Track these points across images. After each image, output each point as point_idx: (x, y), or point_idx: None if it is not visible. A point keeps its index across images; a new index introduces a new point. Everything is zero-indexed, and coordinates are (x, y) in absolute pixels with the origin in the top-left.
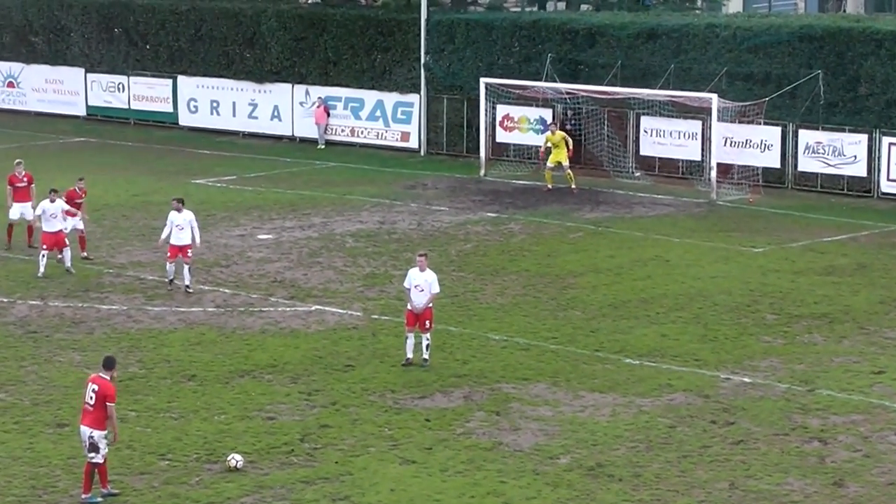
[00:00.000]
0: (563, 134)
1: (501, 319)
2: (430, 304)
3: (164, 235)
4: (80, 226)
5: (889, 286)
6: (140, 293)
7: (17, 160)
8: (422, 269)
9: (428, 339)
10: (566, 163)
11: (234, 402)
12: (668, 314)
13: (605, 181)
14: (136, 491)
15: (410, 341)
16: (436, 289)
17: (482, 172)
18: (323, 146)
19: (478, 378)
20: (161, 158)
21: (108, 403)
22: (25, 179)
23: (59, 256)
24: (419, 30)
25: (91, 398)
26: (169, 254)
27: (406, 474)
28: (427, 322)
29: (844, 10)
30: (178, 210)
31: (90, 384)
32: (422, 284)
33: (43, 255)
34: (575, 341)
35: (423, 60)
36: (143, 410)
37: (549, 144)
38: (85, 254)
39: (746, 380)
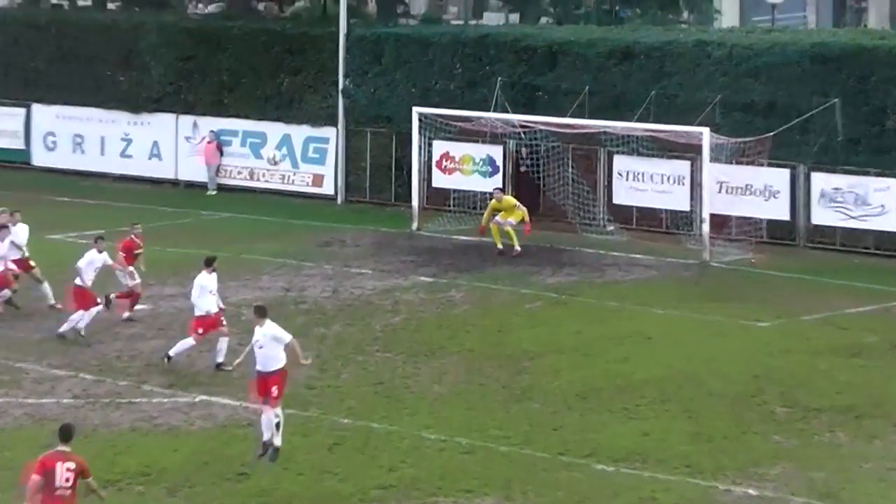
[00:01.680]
0: (514, 200)
1: (439, 413)
2: (306, 360)
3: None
4: (130, 281)
5: None
6: None
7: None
8: (260, 325)
9: (278, 416)
10: (515, 221)
11: None
12: (651, 406)
13: (569, 237)
14: None
15: (266, 417)
16: (286, 337)
17: (415, 226)
18: (214, 192)
19: (407, 489)
20: (8, 207)
21: (87, 480)
22: None
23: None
24: (337, 47)
25: (68, 480)
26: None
27: None
28: (274, 389)
29: (865, 25)
30: (210, 273)
31: (60, 464)
32: (261, 340)
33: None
34: (532, 442)
35: (341, 85)
36: None
37: (493, 214)
38: (128, 314)
39: (752, 492)
